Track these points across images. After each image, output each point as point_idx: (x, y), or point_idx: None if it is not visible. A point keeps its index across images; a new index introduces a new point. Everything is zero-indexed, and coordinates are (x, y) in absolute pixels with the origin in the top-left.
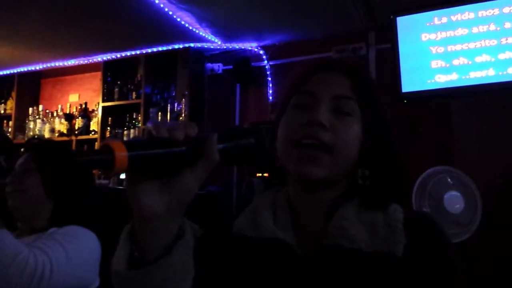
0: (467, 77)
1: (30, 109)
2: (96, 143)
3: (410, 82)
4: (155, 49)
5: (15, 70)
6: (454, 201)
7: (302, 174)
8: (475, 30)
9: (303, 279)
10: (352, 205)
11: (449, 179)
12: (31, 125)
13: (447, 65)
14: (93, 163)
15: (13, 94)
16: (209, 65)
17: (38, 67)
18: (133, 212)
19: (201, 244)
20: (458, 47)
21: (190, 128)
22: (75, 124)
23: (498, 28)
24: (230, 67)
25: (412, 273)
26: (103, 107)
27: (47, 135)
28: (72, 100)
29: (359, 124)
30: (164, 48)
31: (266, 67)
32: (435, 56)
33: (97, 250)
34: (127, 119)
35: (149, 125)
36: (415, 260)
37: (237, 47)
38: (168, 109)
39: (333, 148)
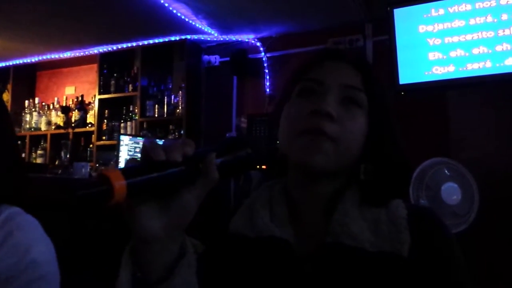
0: (464, 69)
1: (26, 101)
2: (93, 135)
3: (407, 74)
4: (151, 41)
5: (10, 63)
6: (451, 192)
7: (305, 163)
8: (472, 21)
9: (303, 280)
10: (354, 200)
11: (446, 171)
12: (28, 117)
13: (444, 57)
14: (90, 197)
15: (9, 86)
16: (205, 57)
17: (34, 59)
18: (133, 234)
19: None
20: (455, 38)
21: (188, 147)
22: (71, 116)
23: (495, 20)
24: (227, 59)
25: (417, 273)
26: (100, 100)
27: (43, 127)
28: (68, 92)
29: (366, 118)
30: (161, 40)
31: (263, 59)
32: (432, 48)
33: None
34: (124, 111)
35: (145, 143)
36: (419, 259)
37: (234, 39)
38: (165, 102)
39: (338, 139)
